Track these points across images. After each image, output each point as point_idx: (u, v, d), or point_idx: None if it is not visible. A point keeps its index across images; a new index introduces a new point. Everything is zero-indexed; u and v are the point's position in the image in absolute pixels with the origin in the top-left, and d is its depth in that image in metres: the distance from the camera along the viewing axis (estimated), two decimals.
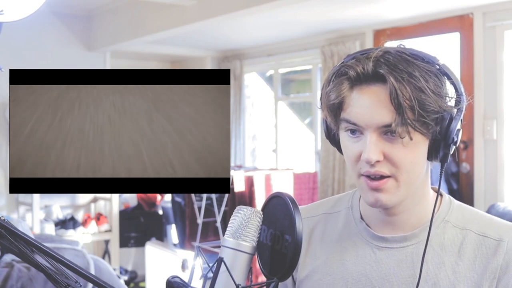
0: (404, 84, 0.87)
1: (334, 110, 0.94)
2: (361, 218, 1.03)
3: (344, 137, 0.95)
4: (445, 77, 0.91)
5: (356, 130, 0.92)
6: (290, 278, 1.07)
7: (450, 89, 0.91)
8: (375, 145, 0.89)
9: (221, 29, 4.76)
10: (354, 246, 1.01)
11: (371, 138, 0.89)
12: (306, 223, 1.09)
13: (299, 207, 1.13)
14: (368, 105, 0.89)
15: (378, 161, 0.90)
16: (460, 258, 0.95)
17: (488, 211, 3.46)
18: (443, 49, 4.22)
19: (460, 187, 3.99)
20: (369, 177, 0.91)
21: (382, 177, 0.91)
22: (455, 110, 0.90)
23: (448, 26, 4.08)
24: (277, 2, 3.37)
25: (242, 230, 0.79)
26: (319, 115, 5.04)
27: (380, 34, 4.49)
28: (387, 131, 0.89)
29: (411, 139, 0.89)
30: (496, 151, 3.84)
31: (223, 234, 0.81)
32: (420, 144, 0.91)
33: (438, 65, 0.91)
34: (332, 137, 1.01)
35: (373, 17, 4.26)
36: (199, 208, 3.97)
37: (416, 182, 0.94)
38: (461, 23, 4.00)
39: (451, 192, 3.93)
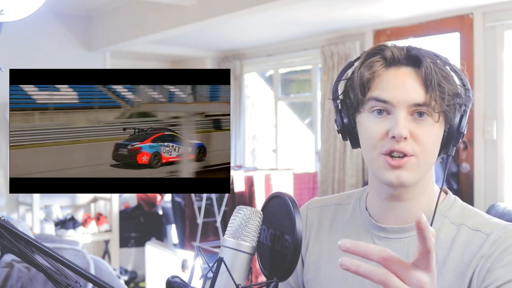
0: (435, 69, 0.94)
1: (363, 89, 0.98)
2: (366, 208, 1.07)
3: (368, 118, 0.98)
4: (456, 75, 0.98)
5: (383, 110, 0.96)
6: (300, 261, 1.12)
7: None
8: (405, 122, 0.94)
9: (221, 29, 4.76)
10: (357, 235, 1.06)
11: (401, 115, 0.94)
12: (317, 211, 1.15)
13: (315, 198, 1.19)
14: (401, 84, 0.96)
15: (405, 138, 0.94)
16: (451, 249, 0.98)
17: (488, 211, 3.46)
18: (443, 49, 4.21)
19: (460, 187, 3.99)
20: (390, 156, 0.95)
21: (403, 156, 0.95)
22: (467, 103, 0.98)
23: (448, 26, 4.08)
24: (277, 2, 3.37)
25: (242, 230, 0.79)
26: (319, 115, 5.03)
27: (380, 34, 4.49)
28: (415, 111, 0.95)
29: (437, 120, 0.95)
30: (496, 151, 3.84)
31: (223, 234, 0.81)
32: (440, 129, 0.97)
33: (450, 64, 0.98)
34: (347, 126, 1.03)
35: (373, 17, 4.26)
36: (199, 208, 3.97)
37: (431, 165, 1.00)
38: (461, 23, 4.00)
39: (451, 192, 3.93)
